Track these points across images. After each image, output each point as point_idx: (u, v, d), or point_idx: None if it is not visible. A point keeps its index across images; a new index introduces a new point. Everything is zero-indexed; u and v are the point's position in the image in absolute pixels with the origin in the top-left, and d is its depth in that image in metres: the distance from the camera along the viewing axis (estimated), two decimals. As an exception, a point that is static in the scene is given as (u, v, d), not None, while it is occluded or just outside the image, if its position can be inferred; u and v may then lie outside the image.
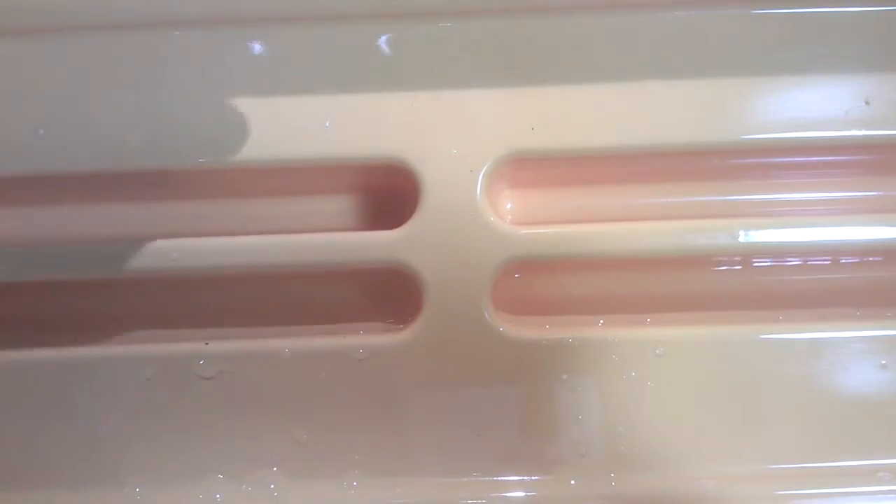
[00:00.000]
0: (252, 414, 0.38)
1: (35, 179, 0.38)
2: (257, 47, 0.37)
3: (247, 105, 0.37)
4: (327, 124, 0.37)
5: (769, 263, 0.39)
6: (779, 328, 0.38)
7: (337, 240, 0.37)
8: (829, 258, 0.39)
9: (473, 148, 0.37)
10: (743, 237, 0.36)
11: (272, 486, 0.38)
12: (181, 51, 0.37)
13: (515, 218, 0.39)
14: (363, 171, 0.39)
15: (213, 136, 0.37)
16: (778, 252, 0.38)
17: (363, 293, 0.40)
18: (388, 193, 0.39)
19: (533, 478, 0.38)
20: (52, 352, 0.38)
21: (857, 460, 0.38)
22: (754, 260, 0.39)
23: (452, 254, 0.36)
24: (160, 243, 0.37)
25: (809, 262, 0.39)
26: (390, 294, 0.39)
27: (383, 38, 0.37)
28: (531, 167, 0.38)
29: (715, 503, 0.37)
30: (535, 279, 0.39)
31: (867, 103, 0.37)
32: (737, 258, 0.39)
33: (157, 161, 0.37)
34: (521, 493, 0.38)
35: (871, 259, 0.39)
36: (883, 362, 0.37)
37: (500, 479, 0.38)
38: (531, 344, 0.37)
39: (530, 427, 0.38)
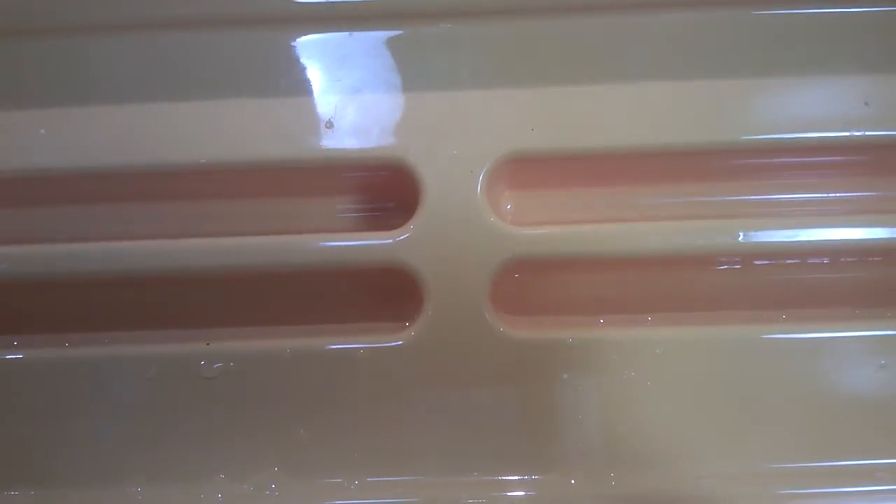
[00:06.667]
0: (253, 414, 0.38)
1: (35, 179, 0.38)
2: (257, 48, 0.37)
3: (247, 105, 0.37)
4: (327, 124, 0.37)
5: (769, 263, 0.39)
6: (778, 328, 0.38)
7: (337, 240, 0.37)
8: (828, 258, 0.39)
9: (473, 148, 0.37)
10: (743, 237, 0.37)
11: (273, 486, 0.38)
12: (182, 52, 0.37)
13: (515, 218, 0.39)
14: (363, 171, 0.39)
15: (213, 136, 0.37)
16: (778, 252, 0.38)
17: (363, 293, 0.40)
18: (388, 193, 0.39)
19: (533, 477, 0.38)
20: (52, 352, 0.38)
21: (856, 460, 0.38)
22: (754, 260, 0.39)
23: (452, 254, 0.37)
24: (160, 243, 0.37)
25: (809, 262, 0.39)
26: (390, 294, 0.39)
27: (384, 40, 0.37)
28: (531, 167, 0.38)
29: (715, 502, 0.37)
30: (535, 279, 0.39)
31: (866, 104, 0.37)
32: (736, 258, 0.39)
33: (157, 161, 0.37)
34: (521, 493, 0.38)
35: (870, 259, 0.39)
36: (882, 362, 0.37)
37: (500, 478, 0.38)
38: (531, 344, 0.37)
39: (531, 426, 0.38)
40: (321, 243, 0.37)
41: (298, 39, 0.37)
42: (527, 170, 0.38)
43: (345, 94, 0.37)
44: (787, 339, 0.38)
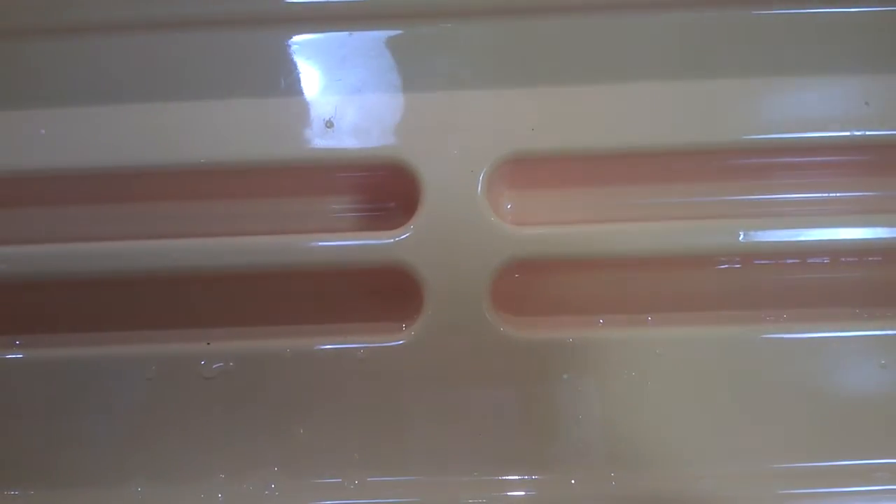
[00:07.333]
0: (253, 414, 0.38)
1: (35, 179, 0.38)
2: (257, 48, 0.37)
3: (247, 105, 0.37)
4: (327, 124, 0.37)
5: (769, 263, 0.39)
6: (778, 328, 0.38)
7: (337, 240, 0.37)
8: (828, 258, 0.39)
9: (474, 148, 0.37)
10: (743, 237, 0.37)
11: (273, 486, 0.38)
12: (181, 52, 0.37)
13: (515, 218, 0.39)
14: (363, 171, 0.39)
15: (213, 136, 0.37)
16: (778, 252, 0.38)
17: (363, 293, 0.40)
18: (388, 193, 0.39)
19: (533, 477, 0.38)
20: (52, 352, 0.38)
21: (856, 460, 0.38)
22: (754, 260, 0.39)
23: (453, 254, 0.37)
24: (160, 243, 0.37)
25: (809, 262, 0.39)
26: (390, 294, 0.39)
27: (384, 40, 0.37)
28: (531, 167, 0.38)
29: (715, 502, 0.37)
30: (535, 279, 0.39)
31: (867, 104, 0.37)
32: (737, 258, 0.39)
33: (157, 161, 0.37)
34: (521, 493, 0.38)
35: (870, 259, 0.39)
36: (883, 362, 0.37)
37: (500, 478, 0.38)
38: (531, 344, 0.37)
39: (531, 426, 0.38)
40: (321, 243, 0.37)
41: (298, 39, 0.37)
42: (527, 170, 0.38)
43: (345, 94, 0.37)
44: (787, 339, 0.38)
